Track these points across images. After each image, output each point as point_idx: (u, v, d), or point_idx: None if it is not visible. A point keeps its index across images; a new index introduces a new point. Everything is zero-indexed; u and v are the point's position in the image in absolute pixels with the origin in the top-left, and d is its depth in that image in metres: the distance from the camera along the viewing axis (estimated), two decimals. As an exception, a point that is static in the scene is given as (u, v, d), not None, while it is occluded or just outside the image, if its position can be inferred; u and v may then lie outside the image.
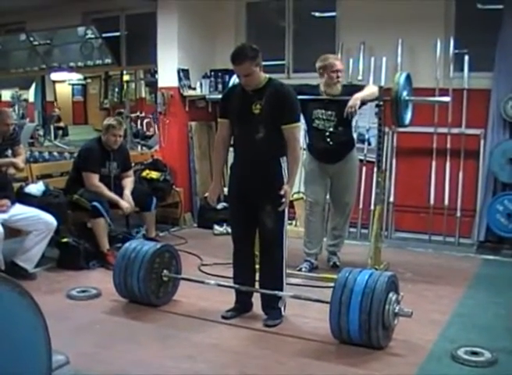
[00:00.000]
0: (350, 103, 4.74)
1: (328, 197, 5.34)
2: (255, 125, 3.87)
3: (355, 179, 5.30)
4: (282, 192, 3.83)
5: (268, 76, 3.97)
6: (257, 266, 4.19)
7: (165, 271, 4.33)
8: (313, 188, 5.22)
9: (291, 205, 5.49)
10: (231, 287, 4.20)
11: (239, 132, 4.02)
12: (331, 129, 4.98)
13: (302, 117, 4.97)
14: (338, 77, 4.96)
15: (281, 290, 4.03)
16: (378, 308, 3.44)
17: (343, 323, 3.50)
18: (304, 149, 5.47)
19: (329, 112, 4.96)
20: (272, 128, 3.85)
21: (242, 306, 4.18)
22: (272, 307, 4.05)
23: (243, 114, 3.93)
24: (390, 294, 3.55)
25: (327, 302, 3.60)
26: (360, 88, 5.00)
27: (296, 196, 6.25)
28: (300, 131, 4.10)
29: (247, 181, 3.98)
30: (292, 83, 4.99)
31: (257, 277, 4.19)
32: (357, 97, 4.76)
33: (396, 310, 3.57)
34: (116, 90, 9.77)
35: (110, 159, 5.67)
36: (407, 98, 4.81)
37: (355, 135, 5.75)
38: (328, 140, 5.00)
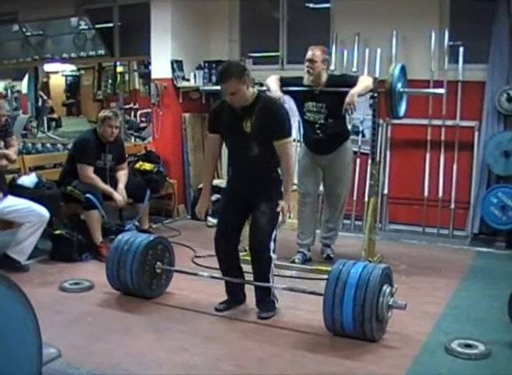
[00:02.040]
0: (348, 100, 4.60)
1: (321, 189, 5.32)
2: (248, 143, 3.87)
3: (348, 171, 5.24)
4: (278, 209, 3.85)
5: (256, 90, 3.95)
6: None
7: (158, 263, 4.31)
8: (304, 179, 5.20)
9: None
10: (224, 279, 4.18)
11: (232, 148, 4.07)
12: (321, 121, 4.92)
13: (296, 110, 4.98)
14: (309, 67, 4.82)
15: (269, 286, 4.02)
16: (372, 301, 3.44)
17: (337, 315, 3.49)
18: (299, 141, 5.43)
19: (320, 104, 4.88)
20: (264, 144, 3.85)
21: (234, 298, 4.17)
22: (265, 300, 4.04)
23: (234, 132, 3.91)
24: (384, 287, 3.55)
25: (321, 294, 3.59)
26: (349, 79, 4.95)
27: (290, 188, 6.22)
28: (291, 146, 4.09)
29: (245, 187, 4.02)
30: (286, 75, 4.98)
31: (246, 269, 4.17)
32: (354, 93, 4.63)
33: (390, 302, 3.57)
34: (110, 81, 9.71)
35: (106, 151, 5.63)
36: (401, 89, 4.80)
37: (349, 127, 5.71)
38: (319, 132, 4.96)
